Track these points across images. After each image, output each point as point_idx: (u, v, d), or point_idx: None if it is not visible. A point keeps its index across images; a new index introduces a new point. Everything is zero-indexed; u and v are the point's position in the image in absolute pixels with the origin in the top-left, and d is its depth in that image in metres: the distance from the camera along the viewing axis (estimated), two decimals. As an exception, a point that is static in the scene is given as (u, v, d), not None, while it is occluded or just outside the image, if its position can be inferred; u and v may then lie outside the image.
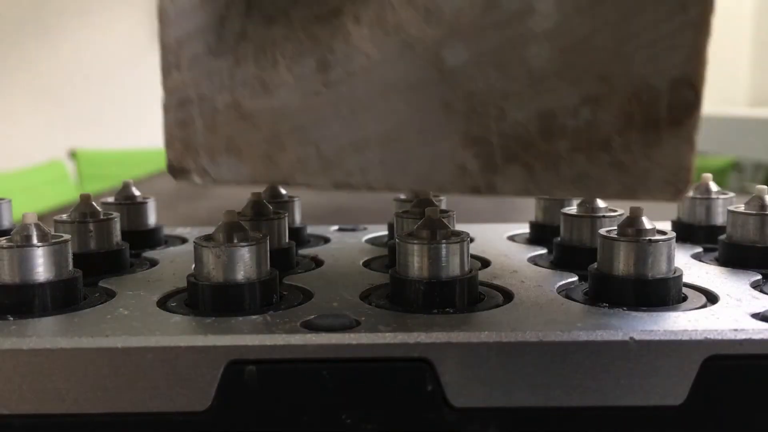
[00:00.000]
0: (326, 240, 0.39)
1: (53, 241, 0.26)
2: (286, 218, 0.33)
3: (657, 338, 0.23)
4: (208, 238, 0.26)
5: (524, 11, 0.22)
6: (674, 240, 0.27)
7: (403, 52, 0.23)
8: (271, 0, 0.23)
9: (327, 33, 0.23)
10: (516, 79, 0.22)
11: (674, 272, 0.26)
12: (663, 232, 0.27)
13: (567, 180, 0.23)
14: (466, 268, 0.26)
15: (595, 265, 0.27)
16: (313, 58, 0.23)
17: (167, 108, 0.24)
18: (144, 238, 0.37)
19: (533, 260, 0.34)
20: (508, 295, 0.27)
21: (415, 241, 0.26)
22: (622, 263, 0.26)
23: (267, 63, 0.23)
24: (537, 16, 0.22)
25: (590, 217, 0.32)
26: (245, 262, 0.26)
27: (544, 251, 0.35)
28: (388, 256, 0.34)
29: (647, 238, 0.26)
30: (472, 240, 0.38)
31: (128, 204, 0.38)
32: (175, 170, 0.24)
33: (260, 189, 0.37)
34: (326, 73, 0.23)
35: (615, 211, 0.33)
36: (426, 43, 0.23)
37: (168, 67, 0.24)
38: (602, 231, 0.28)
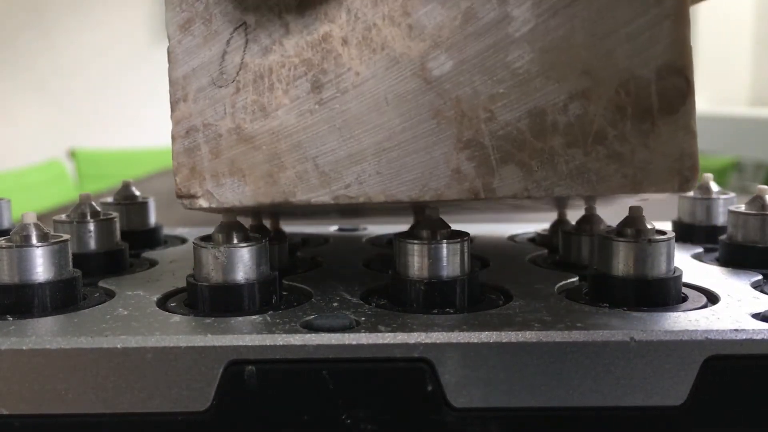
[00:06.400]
0: (326, 240, 0.39)
1: (53, 241, 0.26)
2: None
3: (657, 338, 0.22)
4: (207, 238, 0.26)
5: (501, 19, 0.23)
6: (674, 240, 0.26)
7: (390, 66, 0.24)
8: (268, 33, 0.24)
9: (319, 56, 0.24)
10: (501, 81, 0.23)
11: (674, 272, 0.26)
12: (663, 232, 0.27)
13: (566, 176, 0.24)
14: (467, 268, 0.26)
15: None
16: (307, 80, 0.24)
17: (175, 137, 0.25)
18: (143, 238, 0.37)
19: (533, 260, 0.34)
20: (508, 295, 0.27)
21: (415, 241, 0.26)
22: (622, 264, 0.26)
23: (264, 88, 0.25)
24: (514, 22, 0.23)
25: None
26: (244, 263, 0.26)
27: (544, 251, 0.35)
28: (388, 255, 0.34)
29: (647, 238, 0.26)
30: (471, 240, 0.38)
31: (128, 204, 0.38)
32: (183, 196, 0.25)
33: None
34: (320, 93, 0.24)
35: None
36: (411, 57, 0.24)
37: (176, 101, 0.25)
38: (601, 231, 0.28)
